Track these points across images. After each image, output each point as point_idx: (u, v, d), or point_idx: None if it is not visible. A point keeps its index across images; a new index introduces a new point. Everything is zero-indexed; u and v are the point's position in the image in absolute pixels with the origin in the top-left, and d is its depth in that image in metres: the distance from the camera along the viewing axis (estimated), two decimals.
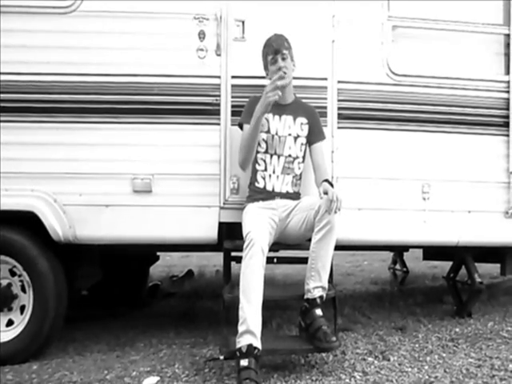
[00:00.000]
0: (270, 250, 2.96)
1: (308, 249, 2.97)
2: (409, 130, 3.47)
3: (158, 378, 2.88)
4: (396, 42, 3.45)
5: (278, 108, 3.19)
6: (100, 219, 3.27)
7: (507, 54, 3.58)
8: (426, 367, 2.94)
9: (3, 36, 3.20)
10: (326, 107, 3.37)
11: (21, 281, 3.32)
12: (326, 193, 2.86)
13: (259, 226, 2.94)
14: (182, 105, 3.29)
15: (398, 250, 5.39)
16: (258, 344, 2.69)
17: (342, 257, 6.82)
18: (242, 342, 2.68)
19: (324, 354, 3.09)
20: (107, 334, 3.86)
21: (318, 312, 2.94)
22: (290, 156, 3.22)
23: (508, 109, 3.56)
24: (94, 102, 3.26)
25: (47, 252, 3.30)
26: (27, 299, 3.30)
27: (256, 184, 3.22)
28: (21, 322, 3.30)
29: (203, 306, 4.63)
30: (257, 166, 3.23)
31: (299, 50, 3.27)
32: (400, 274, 5.61)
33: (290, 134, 3.22)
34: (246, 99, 3.24)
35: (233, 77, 3.32)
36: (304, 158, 3.29)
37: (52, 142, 3.26)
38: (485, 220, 3.56)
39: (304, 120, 3.25)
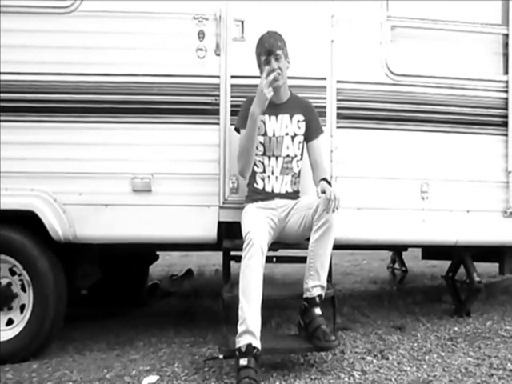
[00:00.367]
0: (269, 250, 2.96)
1: (307, 248, 2.97)
2: (408, 129, 3.47)
3: (158, 377, 2.88)
4: (395, 42, 3.46)
5: (274, 108, 3.18)
6: (100, 218, 3.28)
7: (506, 54, 3.58)
8: (425, 366, 2.95)
9: (3, 36, 3.20)
10: (325, 107, 3.38)
11: (21, 280, 3.33)
12: (323, 192, 2.86)
13: (258, 225, 2.95)
14: (182, 104, 3.30)
15: (397, 250, 5.40)
16: (257, 343, 2.69)
17: (340, 256, 6.82)
18: (242, 341, 2.69)
19: (323, 353, 3.10)
20: (107, 333, 3.86)
21: (317, 311, 2.95)
22: (288, 156, 3.21)
23: (506, 108, 3.56)
24: (93, 102, 3.27)
25: (47, 251, 3.31)
26: (27, 298, 3.31)
27: (255, 185, 3.22)
28: (21, 321, 3.30)
29: (203, 305, 4.63)
30: (255, 168, 3.22)
31: (298, 49, 3.29)
32: (399, 273, 5.61)
33: (287, 134, 3.21)
34: (246, 99, 3.24)
35: (232, 76, 3.33)
36: (302, 155, 3.28)
37: (52, 142, 3.27)
38: (483, 219, 3.56)
39: (301, 117, 3.24)
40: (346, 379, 2.77)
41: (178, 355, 3.26)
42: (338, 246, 3.05)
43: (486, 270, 4.98)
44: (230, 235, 3.28)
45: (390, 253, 5.84)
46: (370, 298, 4.69)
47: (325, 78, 3.39)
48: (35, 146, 3.25)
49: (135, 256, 4.62)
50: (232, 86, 3.32)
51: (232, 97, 3.32)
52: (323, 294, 2.99)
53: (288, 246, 3.24)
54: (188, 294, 5.10)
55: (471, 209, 3.54)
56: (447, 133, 3.51)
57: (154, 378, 2.88)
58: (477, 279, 3.80)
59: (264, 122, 3.19)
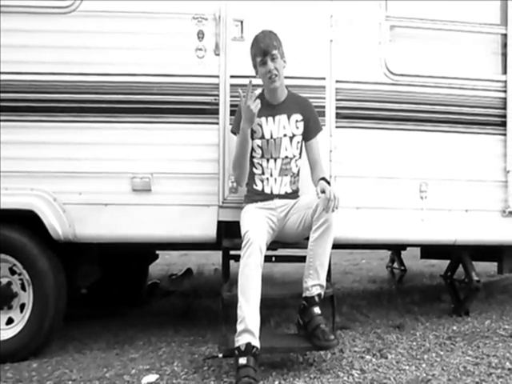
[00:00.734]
0: (268, 249, 2.97)
1: (306, 247, 2.98)
2: (406, 129, 3.48)
3: (157, 376, 2.89)
4: (394, 42, 3.47)
5: (271, 109, 3.18)
6: (99, 218, 3.29)
7: (504, 54, 3.59)
8: (424, 365, 2.96)
9: (3, 36, 3.21)
10: (324, 106, 3.38)
11: (21, 279, 3.33)
12: (323, 191, 2.86)
13: (257, 225, 2.95)
14: (181, 104, 3.31)
15: (396, 249, 5.40)
16: (256, 342, 2.70)
17: (340, 255, 6.81)
18: (241, 340, 2.69)
19: (322, 352, 3.10)
20: (106, 332, 3.86)
21: (316, 310, 2.95)
22: (286, 157, 3.20)
23: (505, 108, 3.57)
24: (93, 102, 3.28)
25: (47, 251, 3.31)
26: (27, 297, 3.31)
27: (254, 186, 3.22)
28: (21, 320, 3.31)
29: (202, 304, 4.64)
30: (254, 170, 3.22)
31: (297, 49, 3.31)
32: (398, 273, 5.62)
33: (285, 135, 3.19)
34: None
35: (231, 76, 3.33)
36: (301, 154, 3.26)
37: (52, 142, 3.27)
38: (482, 219, 3.57)
39: (299, 116, 3.21)
40: (345, 378, 2.78)
41: (178, 354, 3.26)
42: (337, 246, 3.06)
43: (484, 269, 5.00)
44: (229, 235, 3.28)
45: (389, 252, 5.85)
46: (369, 297, 4.70)
47: (324, 78, 3.39)
48: (35, 146, 3.26)
49: (135, 255, 4.62)
50: (231, 85, 3.32)
51: (231, 96, 3.32)
52: (322, 293, 3.00)
53: (287, 245, 3.25)
54: (187, 294, 5.10)
55: (470, 208, 3.55)
56: (446, 132, 3.52)
57: (153, 376, 2.89)
58: (475, 278, 3.80)
59: (261, 125, 3.17)
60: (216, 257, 5.07)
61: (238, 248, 2.87)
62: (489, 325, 3.70)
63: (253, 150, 3.18)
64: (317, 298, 2.97)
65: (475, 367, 2.90)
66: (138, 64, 3.29)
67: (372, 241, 3.65)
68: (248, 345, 2.67)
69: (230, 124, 3.30)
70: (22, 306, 3.33)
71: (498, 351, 3.15)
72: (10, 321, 3.33)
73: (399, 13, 3.46)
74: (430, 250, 4.48)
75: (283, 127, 3.20)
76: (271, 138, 3.18)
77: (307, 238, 2.98)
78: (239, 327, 2.71)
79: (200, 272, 6.18)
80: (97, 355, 3.35)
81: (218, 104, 3.33)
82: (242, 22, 3.34)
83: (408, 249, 4.92)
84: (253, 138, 3.16)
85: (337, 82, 3.40)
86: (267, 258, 2.95)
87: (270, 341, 2.98)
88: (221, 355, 2.88)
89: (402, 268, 5.55)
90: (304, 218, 3.02)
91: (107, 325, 4.06)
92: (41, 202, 3.24)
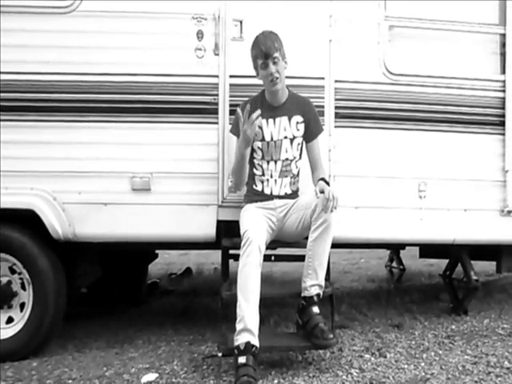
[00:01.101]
0: (267, 248, 2.97)
1: (305, 247, 2.98)
2: (405, 128, 3.49)
3: (157, 375, 2.90)
4: (393, 42, 3.47)
5: (272, 110, 3.17)
6: (99, 217, 3.29)
7: (503, 54, 3.59)
8: (423, 364, 2.97)
9: (3, 36, 3.21)
10: (323, 106, 3.39)
11: (21, 278, 3.34)
12: (322, 191, 2.86)
13: (256, 224, 2.95)
14: (181, 104, 3.31)
15: (395, 248, 5.41)
16: (255, 342, 2.71)
17: (339, 255, 6.82)
18: (240, 339, 2.69)
19: (321, 351, 3.11)
20: (106, 331, 3.87)
21: (315, 309, 2.96)
22: (287, 159, 3.18)
23: (503, 108, 3.57)
24: (93, 101, 3.28)
25: (47, 250, 3.32)
26: (27, 297, 3.32)
27: (254, 187, 3.22)
28: (20, 319, 3.31)
29: (201, 303, 4.65)
30: (254, 171, 3.21)
31: (297, 49, 3.30)
32: (397, 272, 5.62)
33: (285, 137, 3.17)
34: (245, 98, 3.23)
35: (231, 76, 3.34)
36: (301, 155, 3.26)
37: (52, 141, 3.28)
38: (481, 218, 3.58)
39: (299, 118, 3.20)
40: (344, 377, 2.78)
41: (177, 353, 3.27)
42: (336, 245, 3.06)
43: (483, 268, 5.01)
44: (228, 234, 3.28)
45: (388, 251, 5.86)
46: (368, 296, 4.70)
47: (323, 78, 3.40)
48: (35, 145, 3.26)
49: (134, 254, 4.63)
50: (231, 85, 3.33)
51: (231, 96, 3.33)
52: (321, 293, 3.00)
53: (286, 244, 3.25)
54: (187, 293, 5.11)
55: (469, 208, 3.56)
56: (445, 132, 3.53)
57: (153, 375, 2.89)
58: (474, 278, 3.81)
59: (261, 128, 3.14)
60: (215, 256, 5.06)
61: (238, 247, 2.88)
62: (487, 324, 3.71)
63: (253, 151, 3.18)
64: (316, 298, 2.98)
65: (474, 366, 2.91)
66: (138, 64, 3.29)
67: (371, 240, 3.65)
68: (247, 344, 2.68)
69: (230, 124, 3.30)
70: (22, 305, 3.34)
71: (497, 350, 3.16)
72: (9, 320, 3.33)
73: (398, 13, 3.46)
74: (428, 250, 4.48)
75: (284, 129, 3.18)
76: (272, 140, 3.17)
77: (306, 238, 2.99)
78: (238, 326, 2.72)
79: (199, 271, 6.19)
80: (96, 354, 3.35)
81: (217, 104, 3.33)
82: (241, 22, 3.34)
83: (407, 248, 4.92)
84: (253, 140, 3.16)
85: (336, 81, 3.40)
86: (266, 258, 2.96)
87: (270, 340, 2.99)
88: (220, 354, 2.89)
89: (401, 267, 5.54)
90: (303, 218, 3.03)
91: (107, 324, 4.07)
92: (41, 201, 3.24)
